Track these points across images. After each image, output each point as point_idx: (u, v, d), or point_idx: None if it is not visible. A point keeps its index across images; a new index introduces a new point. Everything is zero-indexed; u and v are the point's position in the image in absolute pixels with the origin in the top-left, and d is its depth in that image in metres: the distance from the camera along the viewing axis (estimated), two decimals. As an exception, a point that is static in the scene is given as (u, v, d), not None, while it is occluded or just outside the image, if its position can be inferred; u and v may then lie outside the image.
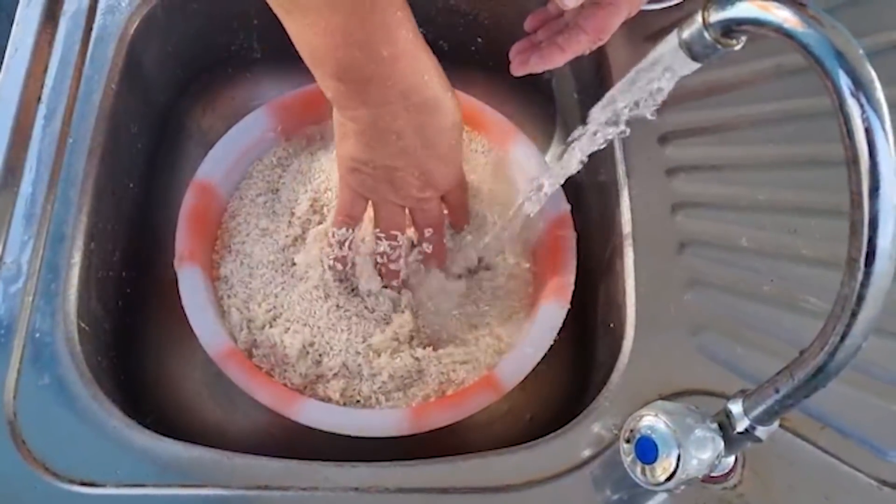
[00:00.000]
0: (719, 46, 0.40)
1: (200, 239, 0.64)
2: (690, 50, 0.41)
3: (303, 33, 0.48)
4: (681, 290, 0.58)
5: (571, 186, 0.62)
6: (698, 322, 0.57)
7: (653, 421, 0.47)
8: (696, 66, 0.42)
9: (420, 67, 0.51)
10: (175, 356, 0.67)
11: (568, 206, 0.67)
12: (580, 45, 0.57)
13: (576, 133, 0.53)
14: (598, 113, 0.51)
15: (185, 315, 0.59)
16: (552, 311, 0.63)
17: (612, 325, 0.61)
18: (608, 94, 0.49)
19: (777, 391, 0.43)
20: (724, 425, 0.47)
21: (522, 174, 0.68)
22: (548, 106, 0.79)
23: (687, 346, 0.57)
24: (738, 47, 0.40)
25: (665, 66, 0.42)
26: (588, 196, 0.69)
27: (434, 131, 0.54)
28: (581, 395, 0.66)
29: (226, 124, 0.67)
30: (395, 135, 0.53)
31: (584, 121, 0.52)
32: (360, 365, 0.61)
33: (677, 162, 0.62)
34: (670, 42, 0.41)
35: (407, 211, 0.60)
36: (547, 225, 0.66)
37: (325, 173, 0.67)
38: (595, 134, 0.53)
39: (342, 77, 0.49)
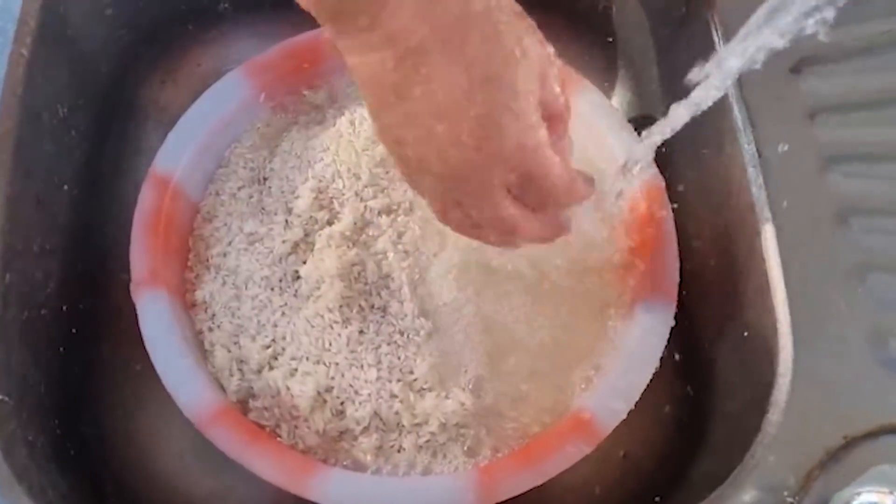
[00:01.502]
0: None
1: (165, 253, 0.50)
2: None
3: None
4: (850, 280, 0.42)
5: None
6: (883, 324, 0.41)
7: (883, 500, 0.30)
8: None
9: None
10: (146, 410, 0.52)
11: (659, 176, 0.51)
12: None
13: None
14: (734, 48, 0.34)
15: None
16: (653, 315, 0.48)
17: (746, 334, 0.44)
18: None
19: None
20: None
21: (591, 135, 0.53)
22: (605, 45, 0.63)
23: (870, 359, 0.40)
24: None
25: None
26: (684, 154, 0.52)
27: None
28: (693, 425, 0.51)
29: (191, 98, 0.54)
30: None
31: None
32: (397, 413, 0.47)
33: (822, 98, 0.46)
34: None
35: None
36: (631, 199, 0.51)
37: (330, 153, 0.52)
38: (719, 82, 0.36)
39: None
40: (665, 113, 0.41)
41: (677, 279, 0.49)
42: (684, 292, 0.48)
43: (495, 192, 0.36)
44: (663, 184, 0.51)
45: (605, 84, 0.62)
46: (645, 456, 0.53)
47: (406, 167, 0.38)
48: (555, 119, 0.38)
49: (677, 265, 0.49)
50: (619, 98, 0.62)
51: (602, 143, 0.52)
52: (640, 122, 0.53)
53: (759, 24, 0.32)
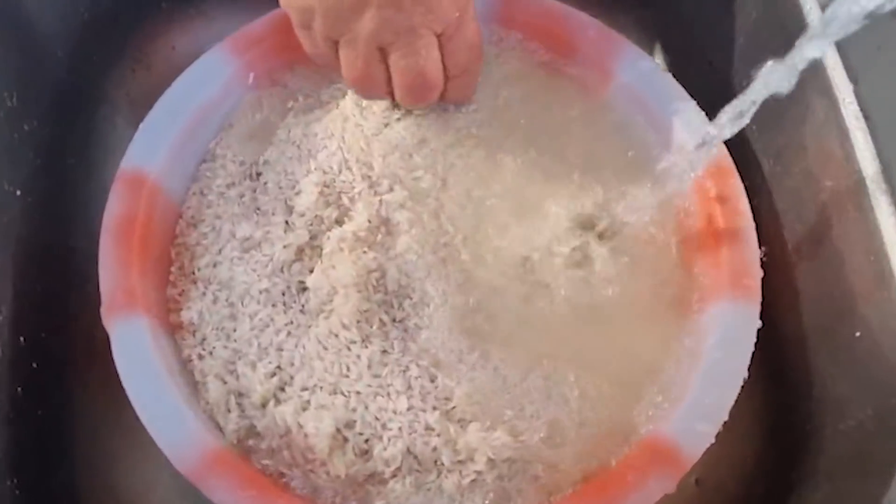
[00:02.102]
0: None
1: (142, 268, 0.44)
2: None
3: None
4: None
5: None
6: None
7: None
8: None
9: None
10: (127, 460, 0.47)
11: (725, 150, 0.45)
12: None
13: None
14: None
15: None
16: (735, 316, 0.42)
17: (858, 335, 0.37)
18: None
19: None
20: None
21: (641, 111, 0.48)
22: (638, 7, 0.56)
23: None
24: None
25: None
26: (758, 120, 0.45)
27: None
28: (787, 448, 0.44)
29: (165, 86, 0.49)
30: None
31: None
32: (435, 449, 0.40)
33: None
34: None
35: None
36: (695, 180, 0.45)
37: (336, 140, 0.46)
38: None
39: None
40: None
41: (760, 272, 0.42)
42: (768, 287, 0.41)
43: (432, 33, 0.39)
44: (731, 160, 0.44)
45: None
46: (723, 483, 0.46)
47: (338, 7, 0.39)
48: None
49: (758, 254, 0.43)
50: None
51: (657, 119, 0.46)
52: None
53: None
